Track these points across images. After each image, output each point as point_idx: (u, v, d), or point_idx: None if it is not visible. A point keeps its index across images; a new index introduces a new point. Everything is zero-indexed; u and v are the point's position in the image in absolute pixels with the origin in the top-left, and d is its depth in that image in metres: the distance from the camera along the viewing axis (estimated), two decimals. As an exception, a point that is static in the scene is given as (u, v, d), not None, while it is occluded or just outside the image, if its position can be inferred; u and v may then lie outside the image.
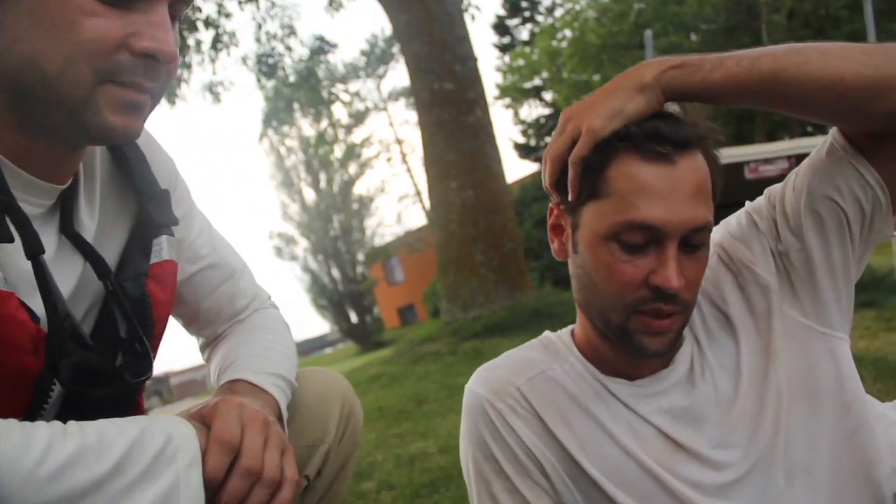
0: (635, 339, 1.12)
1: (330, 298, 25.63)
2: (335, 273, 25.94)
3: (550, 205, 1.22)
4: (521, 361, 1.28)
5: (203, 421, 0.99)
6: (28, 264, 0.93)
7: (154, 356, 1.17)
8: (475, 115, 9.54)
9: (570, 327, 1.33)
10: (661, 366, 1.20)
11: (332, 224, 26.20)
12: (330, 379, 1.46)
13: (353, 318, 25.72)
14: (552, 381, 1.24)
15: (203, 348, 1.45)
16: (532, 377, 1.25)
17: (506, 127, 42.52)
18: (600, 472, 1.18)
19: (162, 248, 1.17)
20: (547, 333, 1.35)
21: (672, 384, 1.19)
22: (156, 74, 0.94)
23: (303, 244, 26.52)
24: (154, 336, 1.16)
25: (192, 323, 1.41)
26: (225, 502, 0.94)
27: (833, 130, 1.14)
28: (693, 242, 1.07)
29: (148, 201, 1.17)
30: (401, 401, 5.38)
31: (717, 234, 1.25)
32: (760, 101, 1.11)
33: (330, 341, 34.71)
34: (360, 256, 26.76)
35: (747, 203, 1.24)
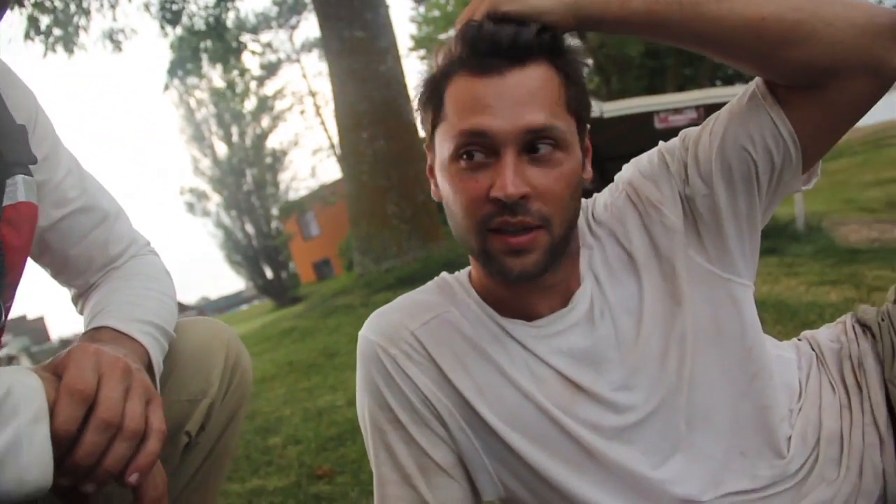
0: (497, 261, 1.06)
1: (244, 254, 25.28)
2: (249, 229, 25.58)
3: (425, 146, 1.17)
4: (416, 305, 1.22)
5: (55, 372, 0.90)
6: None
7: (9, 307, 1.07)
8: (386, 65, 9.42)
9: (467, 269, 1.27)
10: (560, 305, 1.15)
11: (246, 179, 25.76)
12: (213, 328, 1.37)
13: (269, 274, 25.47)
14: (448, 325, 1.19)
15: (75, 300, 1.34)
16: (427, 321, 1.19)
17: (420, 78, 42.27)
18: (497, 418, 1.14)
19: (17, 189, 1.07)
20: (444, 275, 1.28)
21: (571, 324, 1.14)
22: None
23: (215, 199, 26.03)
24: (6, 285, 1.05)
25: (61, 272, 1.30)
26: (79, 458, 0.85)
27: (757, 79, 1.10)
28: (535, 148, 1.02)
29: (0, 138, 1.05)
30: (311, 355, 5.31)
31: (628, 171, 1.20)
32: (678, 38, 1.05)
33: (245, 298, 34.38)
34: (275, 211, 26.43)
35: (661, 143, 1.19)
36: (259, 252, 25.29)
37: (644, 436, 1.12)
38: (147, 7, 12.95)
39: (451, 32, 1.09)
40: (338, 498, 2.27)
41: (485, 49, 1.02)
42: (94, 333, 1.10)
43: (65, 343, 22.79)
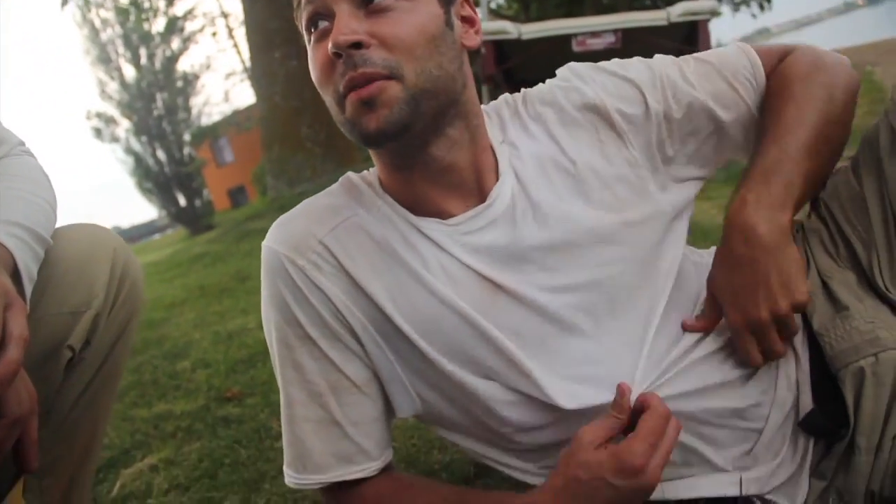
0: (356, 126, 0.99)
1: (156, 181, 24.53)
2: (160, 155, 24.77)
3: None
4: (322, 210, 1.13)
5: None
6: None
7: None
8: (300, -19, 9.10)
9: (376, 168, 1.17)
10: (476, 203, 1.08)
11: (156, 103, 24.84)
12: (97, 235, 1.27)
13: (182, 201, 24.80)
14: (358, 228, 1.10)
15: None
16: (335, 226, 1.10)
17: None
18: (412, 326, 1.06)
19: None
20: (349, 175, 1.19)
21: (489, 221, 1.07)
22: None
23: (124, 125, 25.01)
24: None
25: None
26: None
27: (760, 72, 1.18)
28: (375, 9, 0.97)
29: None
30: (223, 279, 5.18)
31: (593, 83, 1.14)
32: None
33: (159, 227, 33.57)
34: (187, 137, 25.62)
35: (636, 70, 1.16)
36: (171, 179, 24.56)
37: (568, 345, 1.07)
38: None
39: None
40: (247, 419, 2.20)
41: None
42: None
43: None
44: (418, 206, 1.09)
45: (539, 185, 1.09)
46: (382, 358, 1.10)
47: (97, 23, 24.73)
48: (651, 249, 1.10)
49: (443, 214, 1.08)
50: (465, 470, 1.54)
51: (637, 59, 1.18)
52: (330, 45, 0.94)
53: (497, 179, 1.09)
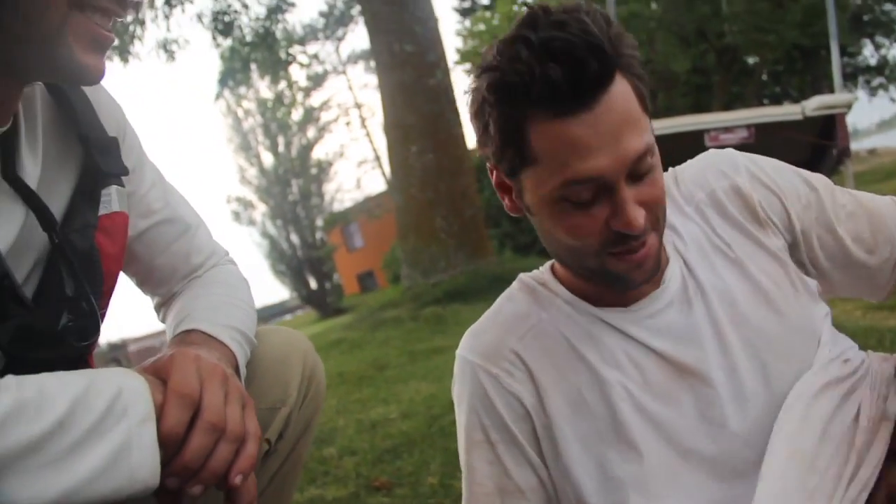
0: (619, 278, 1.08)
1: (289, 264, 25.42)
2: (294, 239, 25.72)
3: (488, 164, 1.14)
4: (511, 318, 1.22)
5: (157, 374, 0.93)
6: None
7: (103, 315, 1.10)
8: (436, 78, 9.46)
9: (547, 264, 1.26)
10: (652, 287, 1.14)
11: (291, 189, 25.92)
12: (291, 338, 1.40)
13: (313, 284, 25.57)
14: (544, 334, 1.18)
15: (158, 308, 1.37)
16: (524, 334, 1.19)
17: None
18: (591, 426, 1.12)
19: (111, 199, 1.11)
20: (524, 278, 1.27)
21: (667, 303, 1.14)
22: (124, 4, 0.92)
23: (261, 209, 26.22)
24: (103, 293, 1.09)
25: (146, 281, 1.34)
26: (187, 460, 0.88)
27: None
28: (640, 171, 1.01)
29: (95, 149, 1.09)
30: (361, 366, 5.33)
31: (746, 171, 1.20)
32: None
33: (289, 308, 34.54)
34: (320, 222, 26.56)
35: (803, 178, 1.22)
36: (303, 262, 25.41)
37: (748, 426, 1.09)
38: (200, 18, 13.19)
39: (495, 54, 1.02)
40: (397, 510, 2.28)
41: (568, 89, 0.95)
42: (185, 336, 1.14)
43: (113, 347, 23.07)
44: (601, 298, 1.16)
45: (702, 267, 1.16)
46: (557, 460, 1.15)
47: (240, 113, 26.12)
48: (804, 324, 1.13)
49: (624, 302, 1.15)
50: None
51: (790, 168, 1.23)
52: (625, 229, 1.00)
53: (667, 261, 1.16)
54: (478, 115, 1.06)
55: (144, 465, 0.83)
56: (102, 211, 1.09)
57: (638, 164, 0.99)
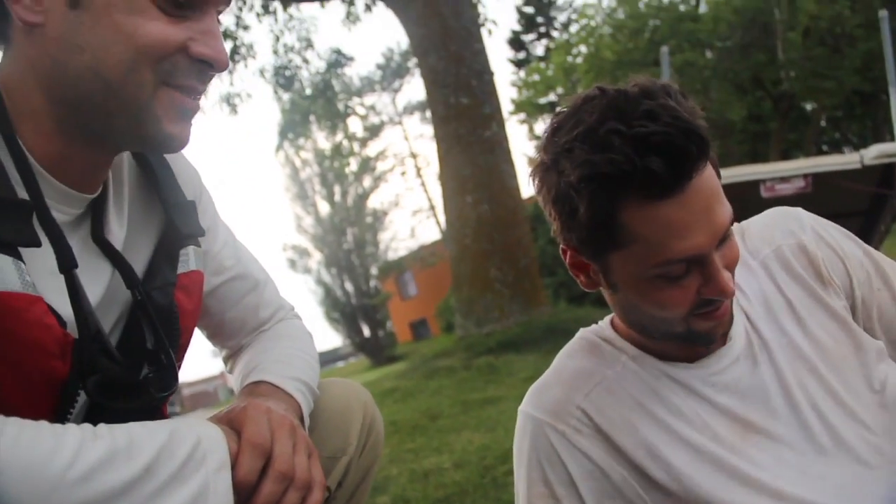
0: (703, 336, 1.11)
1: (343, 312, 25.60)
2: (348, 286, 25.93)
3: (561, 245, 1.17)
4: (575, 375, 1.24)
5: (231, 425, 1.00)
6: (56, 266, 0.94)
7: (179, 367, 1.17)
8: (491, 130, 9.57)
9: (607, 319, 1.28)
10: (718, 344, 1.17)
11: (346, 237, 26.21)
12: (352, 389, 1.46)
13: (366, 331, 25.69)
14: (609, 391, 1.20)
15: (226, 360, 1.45)
16: (589, 391, 1.21)
17: (521, 142, 42.49)
18: (670, 477, 1.14)
19: (189, 259, 1.18)
20: (585, 334, 1.30)
21: (733, 360, 1.16)
22: (206, 78, 0.99)
23: (316, 257, 26.54)
24: (180, 346, 1.16)
25: (217, 334, 1.41)
26: None
27: None
28: (725, 237, 1.05)
29: (174, 212, 1.17)
30: (414, 415, 5.36)
31: (814, 231, 1.24)
32: None
33: (342, 355, 34.68)
34: (374, 270, 26.77)
35: (869, 255, 1.25)
36: (357, 310, 25.58)
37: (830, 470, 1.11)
38: (262, 73, 13.58)
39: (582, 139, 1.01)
40: (452, 559, 2.30)
41: (669, 178, 0.97)
42: (255, 387, 1.21)
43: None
44: (666, 354, 1.19)
45: (766, 323, 1.18)
46: None
47: (298, 163, 26.56)
48: (863, 383, 1.14)
49: (690, 358, 1.17)
50: None
51: (854, 237, 1.26)
52: (719, 296, 1.05)
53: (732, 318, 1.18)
54: (560, 201, 1.06)
55: None
56: (181, 269, 1.17)
57: (725, 233, 1.04)
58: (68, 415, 0.98)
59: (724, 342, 1.16)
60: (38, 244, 0.91)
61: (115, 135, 0.98)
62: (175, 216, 1.17)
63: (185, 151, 1.26)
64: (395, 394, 6.84)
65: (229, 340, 1.41)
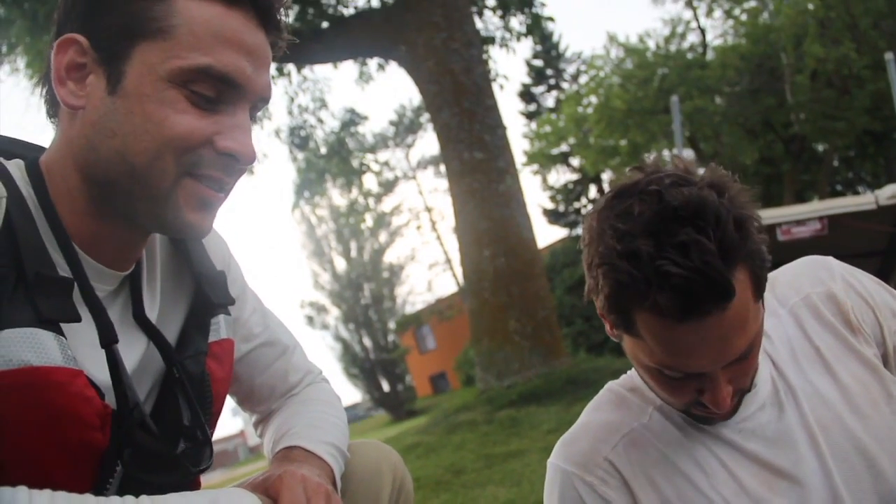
0: (700, 420, 1.17)
1: (361, 367, 25.52)
2: (366, 342, 25.89)
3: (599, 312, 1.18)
4: (602, 428, 1.27)
5: (267, 493, 1.03)
6: (94, 339, 0.97)
7: (212, 432, 1.20)
8: (505, 184, 9.63)
9: (633, 371, 1.30)
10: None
11: (363, 292, 26.23)
12: (381, 451, 1.47)
13: (385, 386, 25.58)
14: (636, 443, 1.23)
15: (256, 424, 1.47)
16: (616, 443, 1.24)
17: (534, 192, 42.61)
18: None
19: (220, 327, 1.21)
20: (612, 387, 1.33)
21: (758, 406, 1.18)
22: (233, 171, 1.02)
23: (334, 313, 26.55)
24: (213, 414, 1.19)
25: (247, 400, 1.43)
26: None
27: None
28: (738, 359, 1.06)
29: (205, 282, 1.21)
30: (438, 471, 5.33)
31: (844, 280, 1.25)
32: None
33: (362, 410, 34.44)
34: (392, 325, 26.73)
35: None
36: (376, 365, 25.48)
37: None
38: (277, 133, 13.76)
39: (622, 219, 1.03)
40: None
41: (678, 313, 0.98)
42: (288, 452, 1.23)
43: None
44: None
45: (792, 369, 1.20)
46: None
47: (314, 220, 26.68)
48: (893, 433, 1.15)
49: None
50: None
51: (885, 286, 1.27)
52: (715, 408, 1.08)
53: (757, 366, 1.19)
54: (591, 270, 1.09)
55: None
56: (212, 338, 1.19)
57: (738, 358, 1.06)
58: (107, 487, 1.00)
59: (750, 388, 1.17)
60: (78, 319, 0.94)
61: (139, 218, 1.00)
62: (206, 286, 1.20)
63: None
64: (418, 449, 6.81)
65: (259, 406, 1.44)
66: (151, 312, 1.12)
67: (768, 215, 7.03)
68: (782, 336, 1.23)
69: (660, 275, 0.96)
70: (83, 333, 0.97)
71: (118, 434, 0.98)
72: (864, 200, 6.84)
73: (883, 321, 1.22)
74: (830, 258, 1.29)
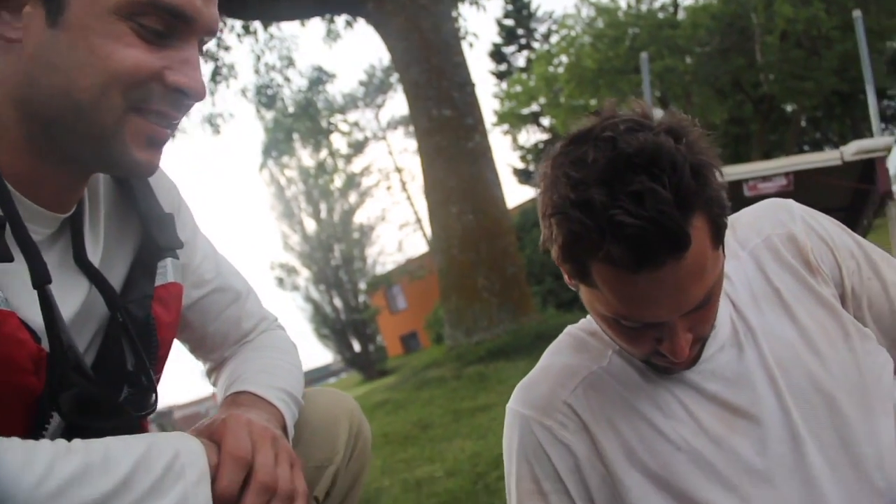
0: (660, 370, 1.16)
1: (332, 328, 25.49)
2: (337, 302, 25.82)
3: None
4: (561, 372, 1.25)
5: (211, 437, 1.00)
6: (29, 281, 0.92)
7: (158, 382, 1.16)
8: (474, 141, 9.59)
9: (589, 317, 1.28)
10: None
11: (334, 254, 26.10)
12: (338, 398, 1.46)
13: (356, 347, 25.58)
14: (595, 386, 1.22)
15: (210, 373, 1.44)
16: (575, 387, 1.22)
17: (504, 153, 42.55)
18: (646, 478, 1.15)
19: (167, 271, 1.17)
20: (572, 331, 1.32)
21: (718, 347, 1.17)
22: (181, 107, 0.98)
23: (304, 274, 26.40)
24: (158, 359, 1.16)
25: (199, 348, 1.41)
26: None
27: None
28: (697, 308, 1.04)
29: (152, 225, 1.17)
30: (406, 426, 5.36)
31: (805, 222, 1.24)
32: None
33: (333, 371, 34.51)
34: (362, 285, 26.65)
35: (861, 246, 1.25)
36: (347, 325, 25.46)
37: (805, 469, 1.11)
38: (244, 92, 13.58)
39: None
40: (445, 566, 2.29)
41: (632, 264, 0.96)
42: (236, 397, 1.20)
43: (160, 414, 23.18)
44: None
45: (751, 310, 1.19)
46: None
47: (283, 181, 26.46)
48: (850, 370, 1.15)
49: None
50: None
51: (846, 229, 1.26)
52: (672, 357, 1.06)
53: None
54: (545, 220, 1.06)
55: None
56: (158, 282, 1.16)
57: (695, 307, 1.04)
58: (42, 432, 0.96)
59: (709, 335, 1.17)
60: (10, 259, 0.90)
61: (84, 157, 0.97)
62: (152, 228, 1.17)
63: (167, 168, 1.27)
64: (387, 406, 6.83)
65: (212, 353, 1.41)
66: (94, 256, 1.08)
67: (735, 171, 7.05)
68: (742, 277, 1.22)
69: (613, 225, 0.93)
70: (17, 275, 0.92)
71: (53, 378, 0.94)
72: (829, 156, 6.86)
73: (842, 262, 1.21)
74: (791, 201, 1.27)
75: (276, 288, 26.73)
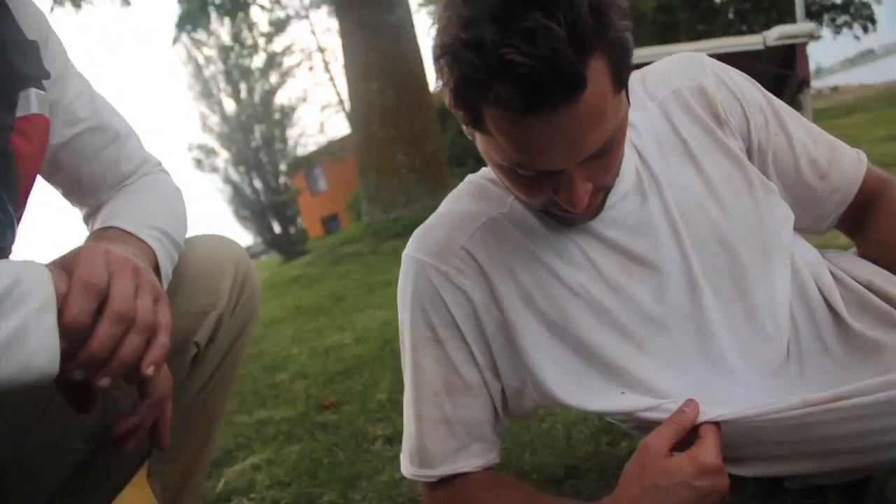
0: (558, 219, 1.12)
1: (252, 210, 25.21)
2: (257, 184, 25.47)
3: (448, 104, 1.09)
4: (459, 217, 1.22)
5: (64, 267, 0.90)
6: None
7: (20, 216, 1.09)
8: (396, 15, 9.35)
9: None
10: None
11: (254, 135, 25.58)
12: (222, 243, 1.40)
13: (277, 228, 25.41)
14: (494, 232, 1.19)
15: (86, 219, 1.36)
16: (473, 232, 1.19)
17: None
18: (543, 324, 1.15)
19: (30, 102, 1.08)
20: (473, 178, 1.28)
21: (622, 195, 1.15)
22: None
23: (223, 156, 25.85)
24: (19, 194, 1.08)
25: (73, 191, 1.32)
26: (94, 350, 0.86)
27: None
28: (596, 156, 0.98)
29: (12, 52, 1.07)
30: (319, 299, 5.37)
31: (715, 76, 1.21)
32: None
33: (254, 253, 34.28)
34: (283, 167, 26.30)
35: (766, 98, 1.23)
36: (267, 207, 25.22)
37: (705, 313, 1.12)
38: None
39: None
40: (344, 425, 2.31)
41: (523, 107, 0.89)
42: (102, 232, 1.12)
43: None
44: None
45: (657, 160, 1.17)
46: (508, 356, 1.19)
47: (201, 60, 25.60)
48: (752, 221, 1.15)
49: None
50: (555, 472, 1.60)
51: (756, 84, 1.24)
52: (570, 207, 1.01)
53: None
54: (435, 59, 0.98)
55: (42, 352, 0.81)
56: (19, 113, 1.06)
57: (595, 154, 0.98)
58: None
59: (612, 186, 1.14)
60: None
61: None
62: (12, 55, 1.06)
63: (66, 37, 1.15)
64: (302, 280, 6.84)
65: (88, 198, 1.33)
66: None
67: (658, 52, 7.06)
68: (650, 128, 1.20)
69: (503, 64, 0.85)
70: None
71: None
72: (752, 41, 6.93)
73: (750, 116, 1.20)
74: (703, 55, 1.24)
75: (194, 170, 26.24)
